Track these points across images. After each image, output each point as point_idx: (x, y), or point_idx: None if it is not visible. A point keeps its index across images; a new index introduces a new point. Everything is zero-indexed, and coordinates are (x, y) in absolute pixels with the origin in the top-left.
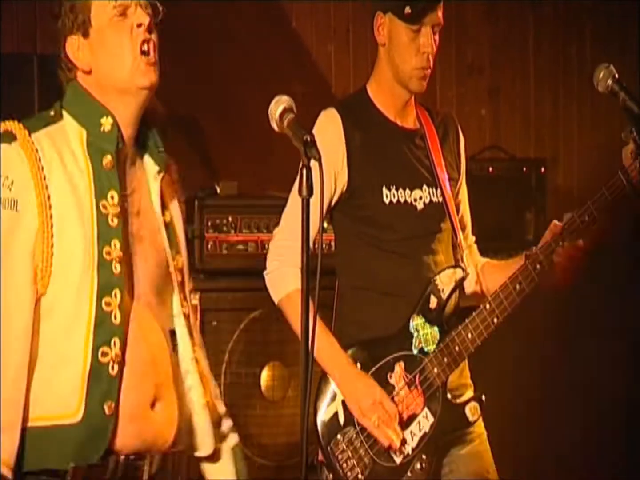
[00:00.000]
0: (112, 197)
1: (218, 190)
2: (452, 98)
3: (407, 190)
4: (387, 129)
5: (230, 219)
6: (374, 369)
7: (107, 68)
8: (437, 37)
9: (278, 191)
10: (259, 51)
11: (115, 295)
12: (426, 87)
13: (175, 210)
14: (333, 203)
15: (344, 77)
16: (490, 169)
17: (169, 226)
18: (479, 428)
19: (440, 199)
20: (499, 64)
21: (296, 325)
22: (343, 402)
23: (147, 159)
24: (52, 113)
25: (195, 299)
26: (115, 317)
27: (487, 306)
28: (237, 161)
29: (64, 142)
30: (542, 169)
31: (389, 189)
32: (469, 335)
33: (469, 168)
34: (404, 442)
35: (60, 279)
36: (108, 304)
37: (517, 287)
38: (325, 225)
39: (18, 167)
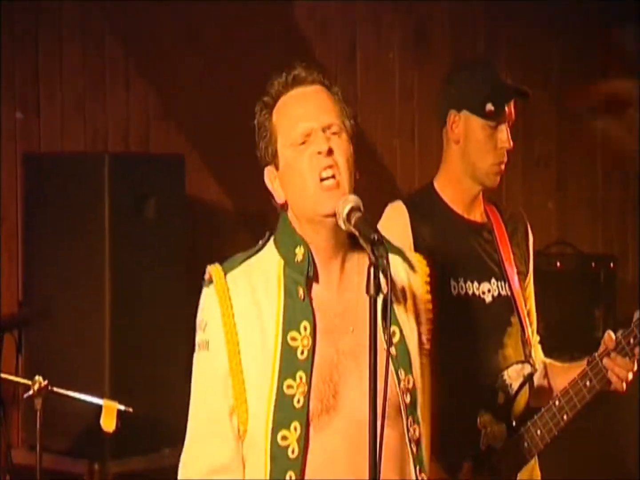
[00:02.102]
0: (305, 328)
1: None
2: (518, 191)
3: (475, 283)
4: (455, 222)
5: None
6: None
7: (293, 199)
8: (509, 132)
9: None
10: None
11: (295, 428)
12: None
13: (410, 320)
14: None
15: (409, 171)
16: (558, 264)
17: (397, 345)
18: None
19: (509, 293)
20: (565, 156)
21: None
22: None
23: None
24: (260, 242)
25: None
26: (292, 452)
27: (557, 403)
28: None
29: (260, 273)
30: (612, 265)
31: (457, 281)
32: (538, 432)
33: (536, 262)
34: None
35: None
36: (284, 438)
37: (588, 383)
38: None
39: (211, 309)
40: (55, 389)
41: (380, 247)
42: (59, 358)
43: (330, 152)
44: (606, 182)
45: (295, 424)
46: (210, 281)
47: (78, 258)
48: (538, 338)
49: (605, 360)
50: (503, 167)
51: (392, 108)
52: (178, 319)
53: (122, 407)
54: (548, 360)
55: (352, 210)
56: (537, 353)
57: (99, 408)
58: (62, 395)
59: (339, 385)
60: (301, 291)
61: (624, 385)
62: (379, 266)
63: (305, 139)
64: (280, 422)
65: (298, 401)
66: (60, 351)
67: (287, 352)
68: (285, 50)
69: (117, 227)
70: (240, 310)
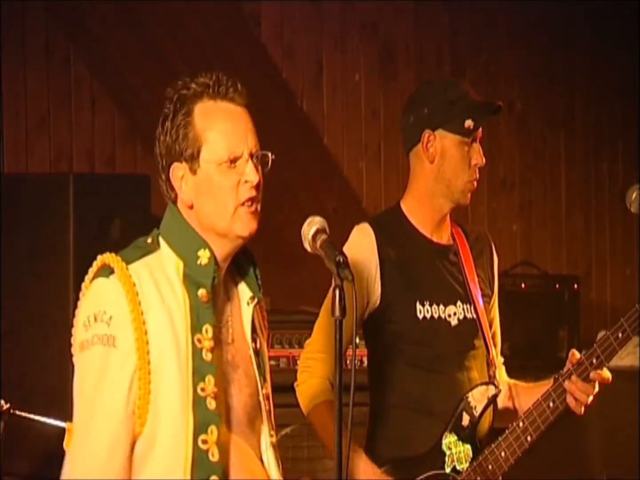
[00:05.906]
0: (207, 331)
1: None
2: (484, 213)
3: (441, 306)
4: (421, 245)
5: None
6: None
7: (208, 212)
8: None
9: (310, 306)
10: (291, 168)
11: (212, 431)
12: None
13: (264, 338)
14: (365, 318)
15: (375, 193)
16: (523, 285)
17: (259, 353)
18: None
19: (474, 316)
20: (530, 179)
21: (325, 436)
22: None
23: (242, 286)
24: (149, 240)
25: None
26: (212, 455)
27: (521, 424)
28: (269, 276)
29: (161, 272)
30: (575, 285)
31: (423, 305)
32: (502, 454)
33: (501, 283)
34: None
35: (159, 417)
36: (205, 442)
37: (551, 404)
38: (358, 340)
39: (116, 301)
40: (18, 412)
41: (345, 270)
42: (22, 380)
43: (258, 185)
44: (570, 204)
45: (212, 427)
46: (110, 271)
47: (43, 279)
48: (502, 359)
49: (566, 383)
50: (475, 184)
51: (359, 130)
52: None
53: None
54: (512, 381)
55: (317, 232)
56: (502, 374)
57: (63, 431)
58: (25, 419)
59: (229, 390)
60: (203, 294)
61: (582, 409)
62: (343, 288)
63: (235, 161)
64: (198, 426)
65: (210, 403)
66: (23, 373)
67: (196, 355)
68: (252, 71)
69: (82, 248)
70: (148, 308)
